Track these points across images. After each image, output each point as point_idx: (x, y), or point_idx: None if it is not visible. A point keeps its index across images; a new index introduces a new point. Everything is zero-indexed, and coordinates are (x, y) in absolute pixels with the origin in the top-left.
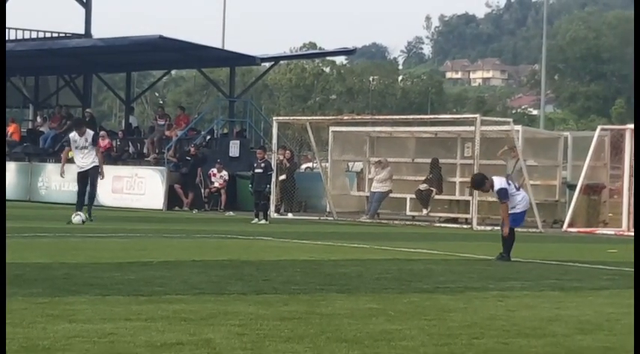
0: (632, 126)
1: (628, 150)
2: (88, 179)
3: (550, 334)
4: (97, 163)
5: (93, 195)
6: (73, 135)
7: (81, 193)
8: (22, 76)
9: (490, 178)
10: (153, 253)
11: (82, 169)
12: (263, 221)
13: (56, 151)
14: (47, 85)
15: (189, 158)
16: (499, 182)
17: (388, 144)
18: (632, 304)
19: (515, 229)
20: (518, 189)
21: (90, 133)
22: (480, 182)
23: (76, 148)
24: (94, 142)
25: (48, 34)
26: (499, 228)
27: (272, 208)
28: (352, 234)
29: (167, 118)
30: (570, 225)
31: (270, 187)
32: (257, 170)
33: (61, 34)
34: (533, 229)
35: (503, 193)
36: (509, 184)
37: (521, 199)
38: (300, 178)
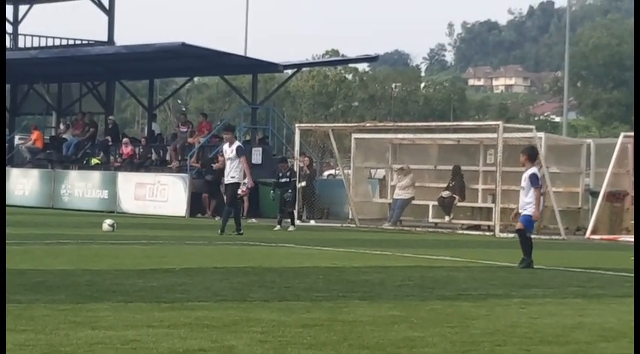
0: None
1: None
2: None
3: (573, 342)
4: (237, 180)
5: (228, 211)
6: (225, 146)
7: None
8: (45, 83)
9: (532, 165)
10: (175, 260)
11: (227, 182)
12: (291, 228)
13: (79, 158)
14: (70, 92)
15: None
16: (536, 169)
17: (410, 151)
18: None
19: (538, 237)
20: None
21: (236, 143)
22: (530, 152)
23: (227, 158)
24: (238, 153)
25: (71, 42)
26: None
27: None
28: (374, 241)
29: (189, 125)
30: (593, 232)
31: (293, 194)
32: (282, 179)
33: (84, 42)
34: (556, 237)
35: (533, 178)
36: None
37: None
38: (323, 185)
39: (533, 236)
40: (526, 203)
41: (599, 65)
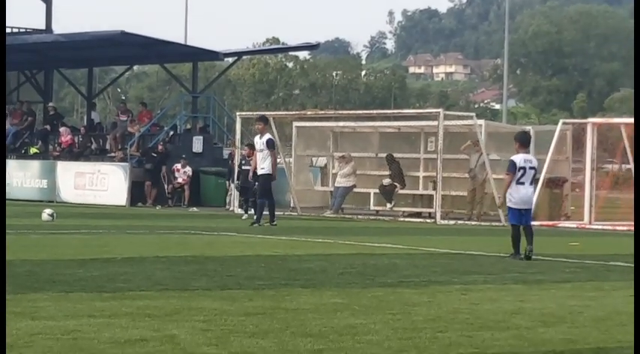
0: (593, 120)
1: (589, 143)
2: (255, 183)
3: (513, 327)
4: (268, 171)
5: (262, 203)
6: (257, 137)
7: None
8: None
9: (524, 150)
10: (116, 250)
11: (259, 173)
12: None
13: (17, 147)
14: (8, 81)
15: (155, 155)
16: (519, 157)
17: (352, 139)
18: (593, 297)
19: (478, 224)
20: (530, 183)
21: (267, 135)
22: (523, 137)
23: (258, 150)
24: (268, 146)
25: (8, 30)
26: (462, 222)
27: (236, 203)
28: (316, 229)
29: (129, 114)
30: (533, 218)
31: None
32: (245, 167)
33: (21, 30)
34: (496, 223)
35: (511, 165)
36: (521, 170)
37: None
38: None
39: (470, 223)
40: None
41: (539, 53)
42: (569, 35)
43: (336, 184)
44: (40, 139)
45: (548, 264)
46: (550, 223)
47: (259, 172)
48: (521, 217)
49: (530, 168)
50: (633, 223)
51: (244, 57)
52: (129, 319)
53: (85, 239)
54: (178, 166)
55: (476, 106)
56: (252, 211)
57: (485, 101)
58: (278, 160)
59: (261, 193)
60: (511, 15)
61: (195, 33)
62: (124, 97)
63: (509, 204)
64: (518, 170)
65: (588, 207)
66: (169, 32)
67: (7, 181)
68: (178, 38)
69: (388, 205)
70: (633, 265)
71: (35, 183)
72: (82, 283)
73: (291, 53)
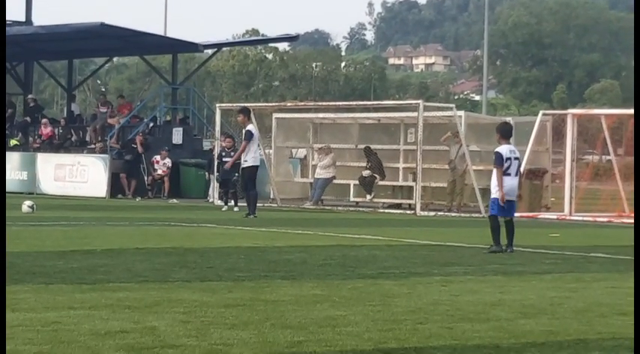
0: (573, 111)
1: (569, 135)
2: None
3: (494, 319)
4: (252, 163)
5: (253, 195)
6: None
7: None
8: None
9: (506, 142)
10: (96, 241)
11: (241, 166)
12: (236, 209)
13: None
14: None
15: (135, 146)
16: (504, 148)
17: (331, 130)
18: (574, 288)
19: (458, 215)
20: (515, 174)
21: (247, 127)
22: (504, 129)
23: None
24: (245, 137)
25: None
26: (442, 213)
27: (215, 195)
28: (296, 220)
29: (109, 106)
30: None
31: (238, 176)
32: (226, 159)
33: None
34: (476, 214)
35: (497, 157)
36: (508, 161)
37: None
38: None
39: (453, 214)
40: (493, 185)
41: (518, 43)
42: (548, 26)
43: (315, 176)
44: (20, 130)
45: (529, 255)
46: (530, 214)
47: (242, 164)
48: (504, 209)
49: (515, 158)
50: (633, 221)
51: (224, 48)
52: (109, 310)
53: (65, 231)
54: (158, 157)
55: (456, 97)
56: (232, 203)
57: (465, 92)
58: (259, 152)
59: (248, 185)
60: (491, 6)
61: (174, 25)
62: (103, 89)
63: (495, 195)
64: (505, 161)
65: (568, 198)
66: (149, 24)
67: None
68: (158, 30)
69: (368, 197)
70: (633, 264)
71: (15, 175)
72: (62, 275)
73: (270, 45)
